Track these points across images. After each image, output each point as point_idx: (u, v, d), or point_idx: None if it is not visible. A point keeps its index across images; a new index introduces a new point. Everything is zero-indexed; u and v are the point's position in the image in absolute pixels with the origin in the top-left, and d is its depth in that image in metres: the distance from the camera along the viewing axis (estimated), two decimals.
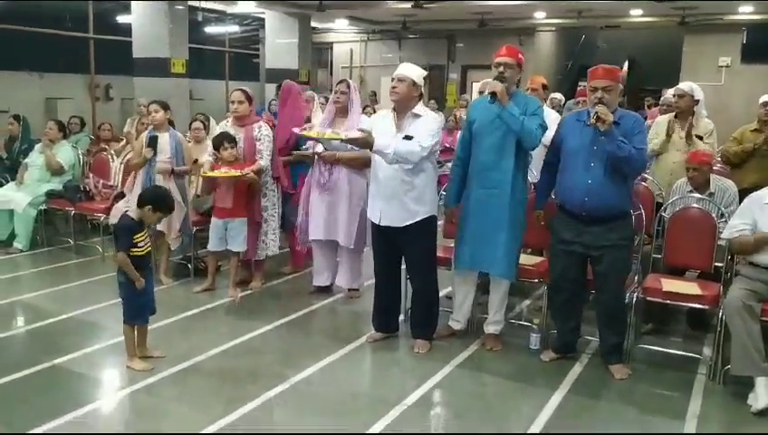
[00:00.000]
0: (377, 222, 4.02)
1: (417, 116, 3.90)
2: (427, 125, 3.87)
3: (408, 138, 3.83)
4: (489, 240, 3.94)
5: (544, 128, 3.84)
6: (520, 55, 3.93)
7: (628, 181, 3.76)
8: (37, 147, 6.47)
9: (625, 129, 3.59)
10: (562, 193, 3.84)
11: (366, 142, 3.76)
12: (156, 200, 3.71)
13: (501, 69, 3.84)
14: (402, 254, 4.12)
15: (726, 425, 3.40)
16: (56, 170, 6.30)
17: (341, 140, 4.01)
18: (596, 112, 3.50)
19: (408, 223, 3.93)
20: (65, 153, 6.41)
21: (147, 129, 5.41)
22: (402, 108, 3.92)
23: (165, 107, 5.21)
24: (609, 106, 3.58)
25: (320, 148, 4.75)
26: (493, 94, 3.74)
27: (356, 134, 3.86)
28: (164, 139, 5.11)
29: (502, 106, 3.72)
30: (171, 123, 5.57)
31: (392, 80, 3.91)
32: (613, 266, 3.73)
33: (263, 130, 4.91)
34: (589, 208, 3.67)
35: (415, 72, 3.90)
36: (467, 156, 4.01)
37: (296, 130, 4.50)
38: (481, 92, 5.11)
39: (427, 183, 3.97)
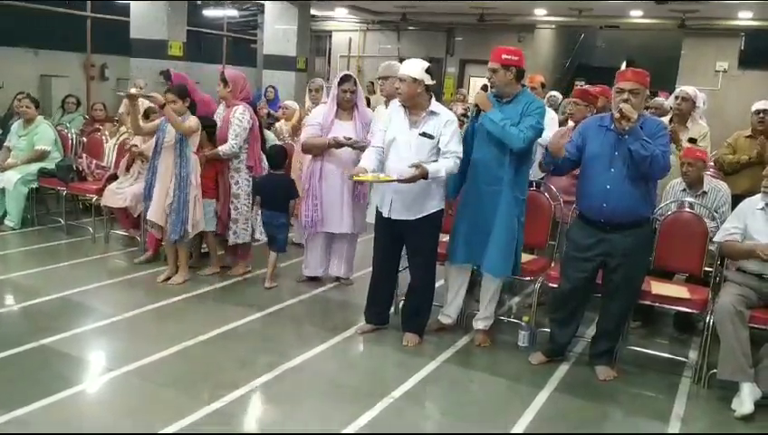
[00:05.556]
0: (386, 214, 3.99)
1: (434, 114, 3.88)
2: (451, 127, 3.84)
3: (426, 135, 3.83)
4: (483, 236, 3.94)
5: (538, 129, 3.81)
6: (504, 56, 3.79)
7: (649, 186, 3.65)
8: (14, 129, 6.36)
9: (648, 132, 3.48)
10: (581, 199, 3.76)
11: (423, 176, 3.71)
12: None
13: (488, 76, 3.86)
14: (405, 246, 4.11)
15: (709, 428, 3.42)
16: (42, 157, 6.23)
17: (399, 181, 3.75)
18: (620, 109, 3.42)
19: (418, 216, 3.93)
20: (44, 135, 6.29)
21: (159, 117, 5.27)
22: (413, 105, 3.89)
23: (182, 96, 4.68)
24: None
25: (338, 135, 4.62)
26: (477, 106, 3.82)
27: (409, 172, 3.71)
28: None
29: (484, 114, 3.79)
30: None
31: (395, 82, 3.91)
32: (629, 276, 3.66)
33: (236, 114, 4.85)
34: (607, 214, 3.58)
35: (413, 69, 3.81)
36: (471, 150, 3.98)
37: (348, 174, 4.02)
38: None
39: (441, 178, 3.97)
